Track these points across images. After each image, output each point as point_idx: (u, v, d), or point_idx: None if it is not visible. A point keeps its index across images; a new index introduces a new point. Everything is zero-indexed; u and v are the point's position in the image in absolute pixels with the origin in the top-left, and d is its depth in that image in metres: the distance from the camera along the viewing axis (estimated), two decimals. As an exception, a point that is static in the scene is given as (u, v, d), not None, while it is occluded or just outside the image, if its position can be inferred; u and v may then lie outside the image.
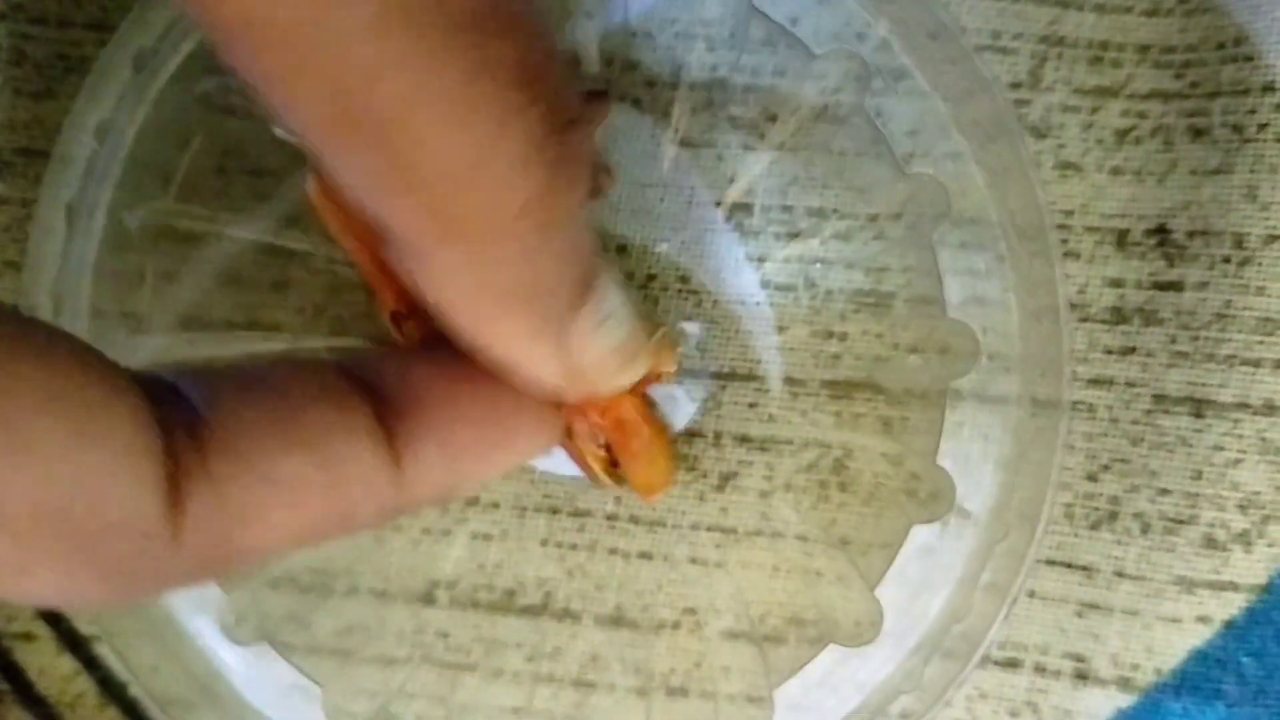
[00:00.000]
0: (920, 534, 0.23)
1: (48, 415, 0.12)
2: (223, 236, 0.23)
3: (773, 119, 0.23)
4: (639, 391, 0.21)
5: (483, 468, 0.17)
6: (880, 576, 0.23)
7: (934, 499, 0.23)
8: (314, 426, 0.15)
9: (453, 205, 0.13)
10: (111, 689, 0.25)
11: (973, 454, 0.23)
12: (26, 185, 0.24)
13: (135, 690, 0.25)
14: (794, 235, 0.23)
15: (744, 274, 0.24)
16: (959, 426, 0.23)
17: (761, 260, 0.24)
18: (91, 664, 0.24)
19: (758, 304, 0.24)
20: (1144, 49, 0.23)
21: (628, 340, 0.17)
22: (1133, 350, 0.23)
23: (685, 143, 0.23)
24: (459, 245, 0.14)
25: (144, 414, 0.13)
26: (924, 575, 0.23)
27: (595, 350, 0.17)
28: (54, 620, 0.24)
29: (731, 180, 0.23)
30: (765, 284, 0.24)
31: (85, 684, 0.25)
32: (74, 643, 0.24)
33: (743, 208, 0.24)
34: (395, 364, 0.17)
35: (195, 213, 0.23)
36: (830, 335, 0.23)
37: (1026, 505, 0.23)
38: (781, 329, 0.24)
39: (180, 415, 0.14)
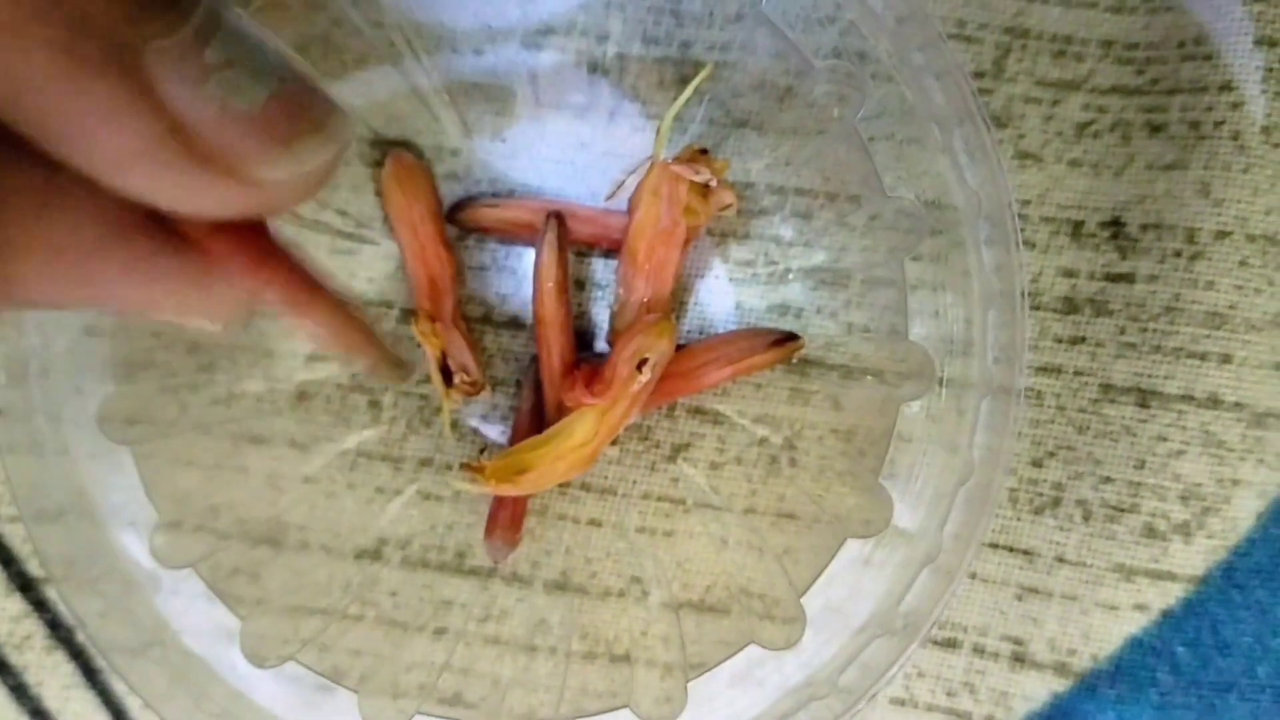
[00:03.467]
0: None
1: None
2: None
3: (744, 97, 0.23)
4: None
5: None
6: (825, 559, 0.23)
7: (878, 504, 0.23)
8: None
9: None
10: (60, 633, 0.25)
11: (923, 437, 0.23)
12: None
13: (83, 637, 0.25)
14: (755, 212, 0.24)
15: (703, 247, 0.24)
16: (910, 409, 0.23)
17: (722, 236, 0.24)
18: (41, 606, 0.25)
19: (716, 278, 0.24)
20: (1107, 44, 0.23)
21: (270, 94, 0.12)
22: (1082, 340, 0.24)
23: (654, 116, 0.24)
24: None
25: None
26: (867, 556, 0.23)
27: (206, 99, 0.11)
28: (5, 560, 0.25)
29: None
30: (724, 259, 0.24)
31: (34, 626, 0.25)
32: (24, 584, 0.25)
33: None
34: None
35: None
36: (786, 311, 0.24)
37: (975, 490, 0.23)
38: (739, 304, 0.24)
39: None
